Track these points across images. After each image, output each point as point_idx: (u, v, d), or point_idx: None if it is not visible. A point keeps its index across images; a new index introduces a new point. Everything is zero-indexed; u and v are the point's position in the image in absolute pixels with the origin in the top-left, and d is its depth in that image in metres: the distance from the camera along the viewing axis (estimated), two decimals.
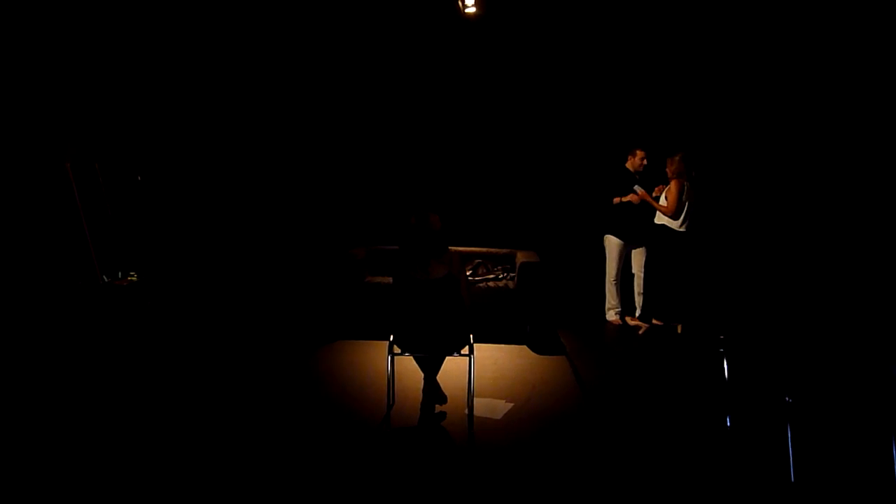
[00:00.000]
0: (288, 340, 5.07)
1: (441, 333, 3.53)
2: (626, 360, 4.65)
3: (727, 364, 3.43)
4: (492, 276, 5.49)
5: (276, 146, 6.35)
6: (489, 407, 3.75)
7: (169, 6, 5.50)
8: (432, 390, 3.64)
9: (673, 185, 5.14)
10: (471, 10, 5.32)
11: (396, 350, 3.59)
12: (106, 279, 4.56)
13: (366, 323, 5.15)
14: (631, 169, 5.41)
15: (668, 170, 5.22)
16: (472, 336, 3.59)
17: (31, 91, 4.65)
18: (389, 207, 6.37)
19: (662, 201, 5.22)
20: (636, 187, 5.29)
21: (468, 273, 5.45)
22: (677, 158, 5.14)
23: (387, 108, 6.39)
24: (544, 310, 5.50)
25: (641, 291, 5.49)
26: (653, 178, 5.43)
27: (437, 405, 3.69)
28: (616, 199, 5.35)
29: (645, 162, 5.37)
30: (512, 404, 3.80)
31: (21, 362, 4.12)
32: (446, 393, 3.74)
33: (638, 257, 5.48)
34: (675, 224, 5.16)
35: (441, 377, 3.73)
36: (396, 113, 6.40)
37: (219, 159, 6.17)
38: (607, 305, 5.57)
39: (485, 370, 4.41)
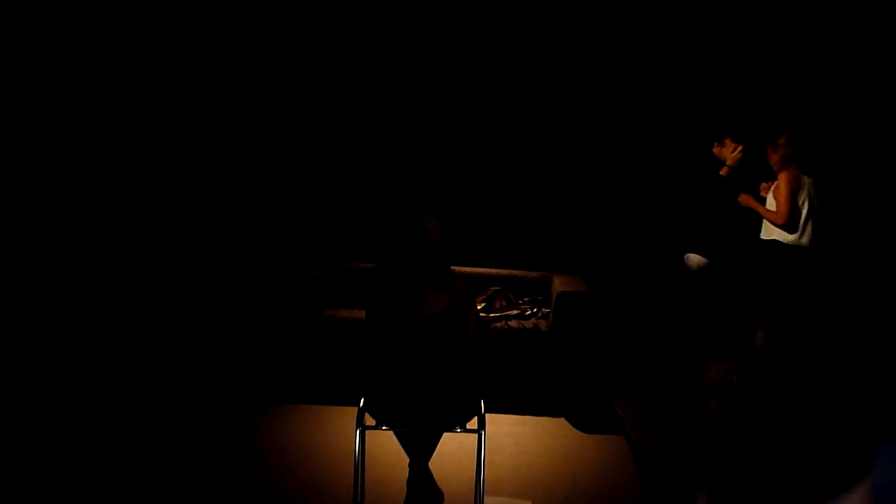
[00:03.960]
0: (210, 402, 5.00)
1: (437, 397, 3.34)
2: None
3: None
4: (515, 311, 5.39)
5: (193, 120, 6.26)
6: None
7: None
8: (421, 483, 3.52)
9: (782, 179, 4.97)
10: None
11: (369, 421, 3.41)
12: None
13: (324, 379, 5.11)
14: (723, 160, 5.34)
15: (771, 160, 5.09)
16: (483, 402, 3.43)
17: None
18: (364, 206, 6.31)
19: (770, 204, 5.08)
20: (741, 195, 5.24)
21: (480, 307, 5.32)
22: (783, 141, 5.04)
23: (373, 86, 6.41)
24: (592, 363, 5.42)
25: None
26: (755, 177, 5.34)
27: None
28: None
29: (740, 155, 5.30)
30: None
31: None
32: (443, 489, 3.62)
33: None
34: (790, 237, 5.04)
35: (435, 464, 3.60)
36: (384, 90, 6.41)
37: (109, 135, 6.06)
38: None
39: (502, 454, 4.33)
